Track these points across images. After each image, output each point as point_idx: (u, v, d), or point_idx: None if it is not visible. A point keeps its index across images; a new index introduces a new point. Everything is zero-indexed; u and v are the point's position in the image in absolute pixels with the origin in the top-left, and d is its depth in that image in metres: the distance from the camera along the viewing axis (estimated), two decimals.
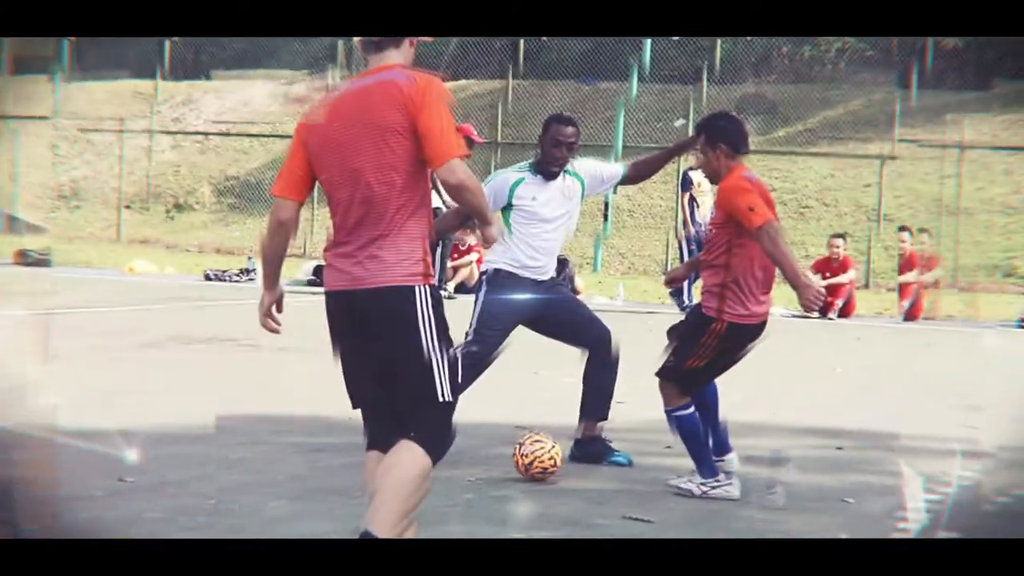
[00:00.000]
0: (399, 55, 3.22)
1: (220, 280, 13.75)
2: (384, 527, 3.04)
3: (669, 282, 5.09)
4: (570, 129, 4.89)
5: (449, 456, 3.26)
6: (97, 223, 20.25)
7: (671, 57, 18.98)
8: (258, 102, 22.24)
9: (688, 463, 4.44)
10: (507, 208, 4.93)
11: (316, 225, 17.74)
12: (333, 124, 3.17)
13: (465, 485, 4.44)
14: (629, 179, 5.16)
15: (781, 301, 10.81)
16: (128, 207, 20.40)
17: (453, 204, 4.19)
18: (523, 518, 4.01)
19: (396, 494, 3.07)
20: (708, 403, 4.56)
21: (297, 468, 4.67)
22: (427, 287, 3.12)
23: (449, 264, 12.83)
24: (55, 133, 21.81)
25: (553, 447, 4.50)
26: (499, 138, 18.43)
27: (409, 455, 3.11)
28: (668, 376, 4.36)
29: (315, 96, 21.04)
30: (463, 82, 20.95)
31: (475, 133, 10.85)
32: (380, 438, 3.22)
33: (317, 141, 3.19)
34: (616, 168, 5.17)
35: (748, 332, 4.29)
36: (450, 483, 4.39)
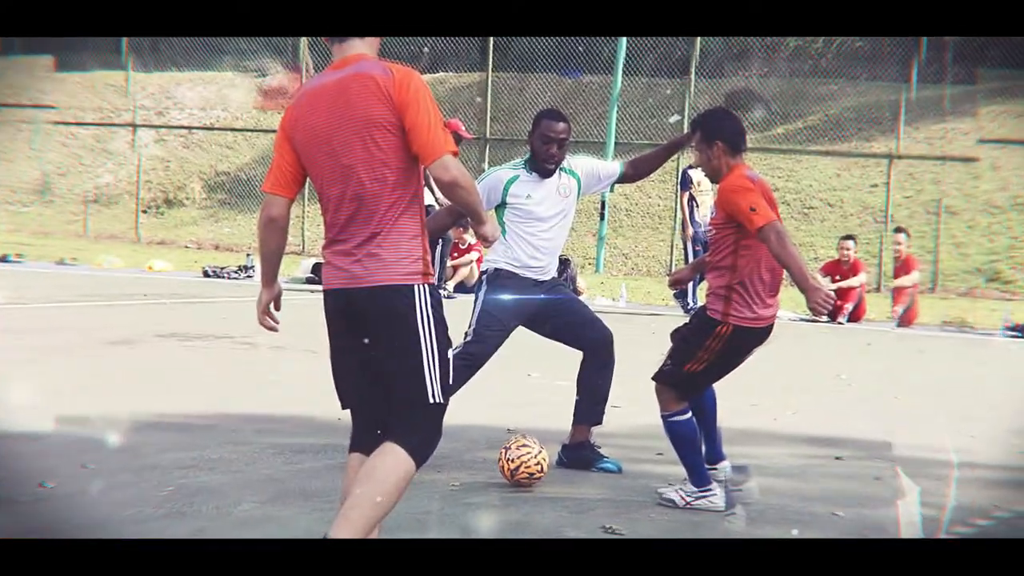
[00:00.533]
0: (364, 45, 3.21)
1: (219, 277, 13.77)
2: (352, 531, 2.99)
3: (673, 284, 4.99)
4: (561, 125, 4.82)
5: (432, 459, 3.22)
6: (64, 218, 20.09)
7: (649, 48, 18.53)
8: (231, 95, 21.97)
9: (679, 471, 4.36)
10: (501, 206, 4.85)
11: (307, 222, 17.65)
12: (317, 119, 3.15)
13: (445, 490, 4.38)
14: (627, 177, 5.09)
15: (789, 304, 10.73)
16: (95, 201, 20.23)
17: (446, 201, 4.12)
18: (497, 527, 3.93)
19: (371, 498, 3.05)
20: (705, 409, 4.48)
21: (275, 469, 4.63)
22: (426, 286, 3.11)
23: (449, 263, 12.76)
24: (28, 125, 21.58)
25: (540, 452, 4.44)
26: (488, 134, 18.13)
27: (393, 458, 3.08)
28: (666, 380, 4.28)
29: (290, 87, 20.85)
30: (440, 75, 20.64)
31: (463, 129, 10.75)
32: (365, 439, 3.19)
33: (303, 137, 3.17)
34: (613, 166, 5.10)
35: (754, 336, 4.22)
36: (431, 488, 4.35)
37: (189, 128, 21.48)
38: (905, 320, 11.98)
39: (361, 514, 3.02)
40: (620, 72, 16.79)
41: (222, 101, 21.85)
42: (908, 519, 4.05)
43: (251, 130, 20.88)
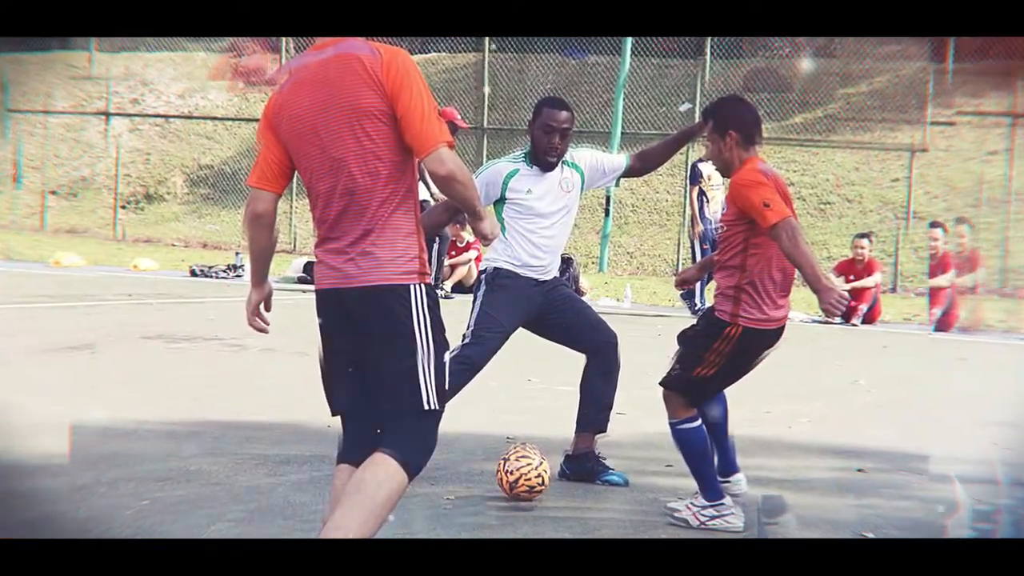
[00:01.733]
0: None
1: (207, 276, 13.67)
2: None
3: (680, 284, 4.90)
4: (564, 114, 4.70)
5: (426, 471, 3.15)
6: (22, 210, 19.74)
7: None
8: (210, 81, 21.44)
9: (690, 484, 4.22)
10: (500, 202, 4.74)
11: (296, 218, 17.38)
12: (303, 107, 3.07)
13: (438, 505, 4.26)
14: (633, 171, 4.99)
15: (801, 305, 10.59)
16: (54, 192, 19.85)
17: (442, 196, 4.01)
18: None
19: (358, 515, 2.96)
20: (716, 416, 4.36)
21: (257, 481, 4.52)
22: (423, 286, 3.06)
23: (446, 261, 12.63)
24: None
25: (541, 463, 4.33)
26: (485, 123, 17.74)
27: (384, 470, 3.00)
28: (674, 386, 4.19)
29: (267, 67, 20.19)
30: (432, 55, 20.09)
31: (459, 117, 10.49)
32: (355, 449, 3.12)
33: (288, 127, 3.10)
34: (619, 159, 4.99)
35: (764, 338, 4.13)
36: (422, 502, 4.24)
37: (167, 117, 20.99)
38: (944, 324, 11.56)
39: (347, 533, 2.92)
40: (628, 52, 16.40)
41: (201, 87, 21.44)
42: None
43: (232, 119, 20.44)
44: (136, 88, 21.55)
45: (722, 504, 4.13)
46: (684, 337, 4.25)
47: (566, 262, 11.97)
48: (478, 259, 12.68)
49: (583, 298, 6.80)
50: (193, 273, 13.86)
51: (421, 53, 19.58)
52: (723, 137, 4.16)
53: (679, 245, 16.04)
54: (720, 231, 4.29)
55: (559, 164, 4.77)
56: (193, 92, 21.39)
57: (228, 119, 20.56)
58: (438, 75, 19.30)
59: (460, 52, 19.96)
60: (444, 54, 20.30)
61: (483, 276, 4.80)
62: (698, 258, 11.57)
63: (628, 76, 16.61)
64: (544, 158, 4.72)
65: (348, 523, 2.92)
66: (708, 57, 16.92)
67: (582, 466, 4.71)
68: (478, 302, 4.73)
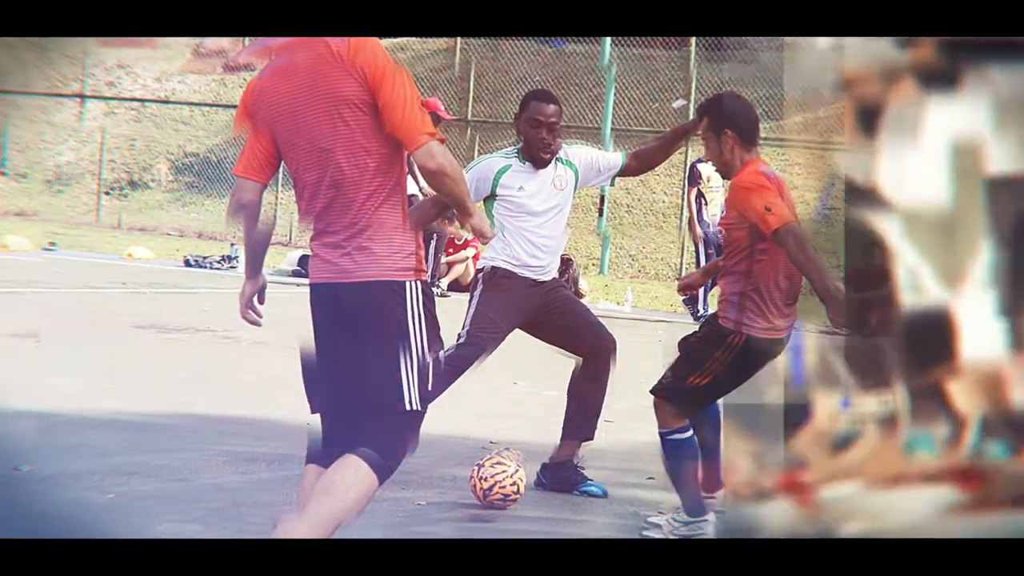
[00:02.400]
0: None
1: (201, 266, 13.61)
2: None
3: (683, 288, 4.81)
4: (551, 108, 4.61)
5: (398, 474, 3.08)
6: None
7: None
8: (168, 61, 21.03)
9: (672, 498, 4.14)
10: (491, 198, 4.65)
11: (280, 209, 17.14)
12: (281, 95, 3.02)
13: (407, 511, 4.16)
14: (629, 170, 4.90)
15: (807, 315, 10.42)
16: (3, 174, 19.58)
17: (431, 191, 3.95)
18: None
19: (322, 518, 2.89)
20: (707, 427, 4.23)
21: (223, 479, 4.45)
22: (418, 283, 3.02)
23: (443, 259, 12.52)
24: None
25: (517, 471, 4.25)
26: (469, 115, 17.28)
27: (354, 473, 2.95)
28: (665, 394, 4.09)
29: (229, 48, 19.50)
30: (400, 40, 19.58)
31: (442, 108, 10.27)
32: (327, 451, 3.06)
33: (267, 116, 3.04)
34: (615, 158, 4.90)
35: (768, 348, 4.01)
36: (390, 507, 4.14)
37: (142, 101, 20.59)
38: None
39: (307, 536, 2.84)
40: (608, 42, 15.92)
41: (180, 72, 21.12)
42: None
43: (210, 104, 20.06)
44: (112, 71, 21.23)
45: (705, 521, 4.03)
46: (685, 344, 4.16)
47: (566, 263, 11.86)
48: (475, 257, 12.58)
49: (582, 300, 6.71)
50: (187, 263, 13.80)
51: (388, 36, 19.13)
52: (718, 136, 4.05)
53: (683, 249, 15.86)
54: (719, 235, 4.17)
55: (553, 161, 4.67)
56: (170, 76, 21.11)
57: (205, 104, 20.21)
58: (408, 63, 18.99)
59: (431, 37, 19.42)
60: (414, 39, 19.73)
61: (480, 275, 4.72)
62: (702, 262, 11.44)
63: (619, 70, 16.29)
64: (538, 155, 4.63)
65: (301, 530, 2.86)
66: (693, 49, 16.44)
67: (559, 475, 4.61)
68: (474, 302, 4.65)
